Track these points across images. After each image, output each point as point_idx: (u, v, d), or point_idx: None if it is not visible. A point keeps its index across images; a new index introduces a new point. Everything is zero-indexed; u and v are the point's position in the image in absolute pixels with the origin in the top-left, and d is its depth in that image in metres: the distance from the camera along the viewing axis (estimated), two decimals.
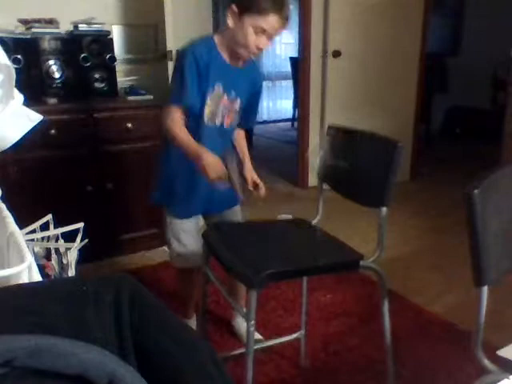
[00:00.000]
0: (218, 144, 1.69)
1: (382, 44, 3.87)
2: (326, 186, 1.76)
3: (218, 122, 1.69)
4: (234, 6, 1.52)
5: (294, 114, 6.55)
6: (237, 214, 1.90)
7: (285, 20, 1.51)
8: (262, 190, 1.72)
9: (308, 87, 3.92)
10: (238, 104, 1.72)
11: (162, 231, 2.88)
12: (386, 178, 1.45)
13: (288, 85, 7.09)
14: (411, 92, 4.14)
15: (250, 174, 1.77)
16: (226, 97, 1.67)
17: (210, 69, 1.60)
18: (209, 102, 1.64)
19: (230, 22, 1.54)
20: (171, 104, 1.63)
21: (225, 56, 1.64)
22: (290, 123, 6.89)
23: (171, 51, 2.64)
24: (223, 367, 0.63)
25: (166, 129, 1.64)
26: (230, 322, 2.11)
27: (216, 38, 1.63)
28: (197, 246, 1.79)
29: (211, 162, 1.53)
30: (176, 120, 1.62)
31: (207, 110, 1.66)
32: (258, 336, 1.99)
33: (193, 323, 2.05)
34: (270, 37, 1.54)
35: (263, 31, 1.50)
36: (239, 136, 1.87)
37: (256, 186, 1.73)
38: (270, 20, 1.48)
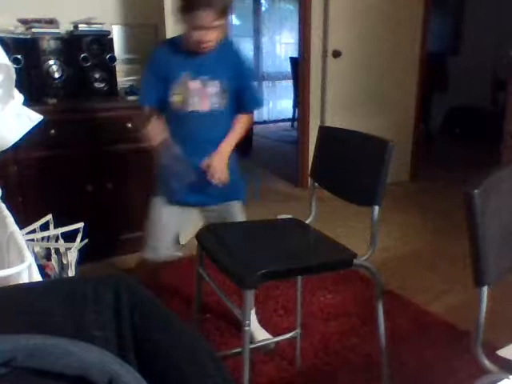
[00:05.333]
0: (202, 130, 1.73)
1: (382, 44, 3.87)
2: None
3: (190, 107, 1.71)
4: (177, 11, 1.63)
5: (293, 114, 6.55)
6: (235, 209, 1.86)
7: (212, 11, 1.54)
8: (215, 175, 1.66)
9: (308, 87, 3.92)
10: (216, 86, 1.70)
11: None
12: (377, 176, 1.46)
13: (288, 85, 7.08)
14: (411, 92, 4.13)
15: (209, 159, 1.68)
16: (197, 81, 1.69)
17: (173, 60, 1.72)
18: (177, 90, 1.71)
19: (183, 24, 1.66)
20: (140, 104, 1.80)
21: (189, 47, 1.69)
22: (289, 123, 6.89)
23: None
24: (222, 366, 0.63)
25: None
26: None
27: (183, 36, 1.71)
28: (164, 238, 1.83)
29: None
30: (144, 119, 1.76)
31: (177, 99, 1.71)
32: (265, 335, 2.00)
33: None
34: (210, 29, 1.59)
35: (198, 26, 1.58)
36: (236, 120, 1.81)
37: (208, 168, 1.67)
38: (195, 15, 1.55)
